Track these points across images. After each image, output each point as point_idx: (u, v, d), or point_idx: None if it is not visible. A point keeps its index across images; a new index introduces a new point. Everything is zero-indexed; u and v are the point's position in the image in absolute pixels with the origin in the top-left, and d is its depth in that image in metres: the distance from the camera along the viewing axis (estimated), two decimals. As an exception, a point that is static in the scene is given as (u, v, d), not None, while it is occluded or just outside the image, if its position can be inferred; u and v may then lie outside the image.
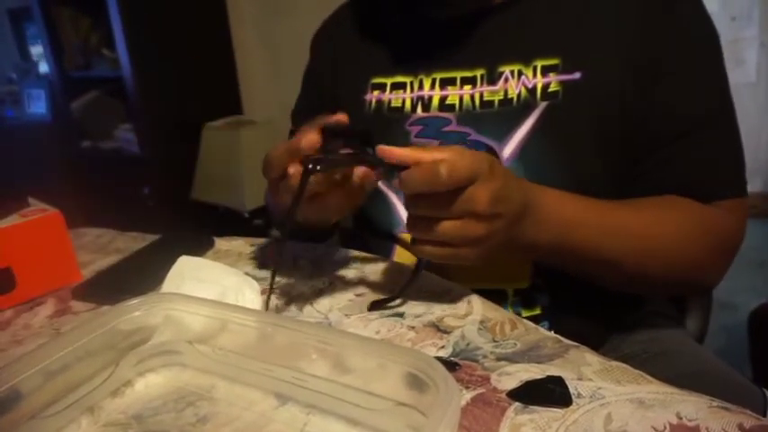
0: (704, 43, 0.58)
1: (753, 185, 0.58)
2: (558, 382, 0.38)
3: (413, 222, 0.45)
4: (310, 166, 0.42)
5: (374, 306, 0.51)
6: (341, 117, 0.48)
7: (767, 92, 2.55)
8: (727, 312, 1.72)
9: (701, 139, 0.56)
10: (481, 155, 0.43)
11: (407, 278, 0.51)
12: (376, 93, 0.67)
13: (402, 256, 0.66)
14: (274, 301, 0.54)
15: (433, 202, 0.42)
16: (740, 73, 2.48)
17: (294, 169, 0.45)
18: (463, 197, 0.42)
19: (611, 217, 0.53)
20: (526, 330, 0.46)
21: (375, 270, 0.59)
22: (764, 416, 0.46)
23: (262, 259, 0.64)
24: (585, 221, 0.51)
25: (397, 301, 0.51)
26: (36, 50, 2.63)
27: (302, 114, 0.79)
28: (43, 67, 2.52)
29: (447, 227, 0.43)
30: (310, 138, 0.44)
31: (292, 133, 0.80)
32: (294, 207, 0.43)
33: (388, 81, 0.66)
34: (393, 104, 0.65)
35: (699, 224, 0.55)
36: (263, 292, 0.53)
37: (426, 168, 0.41)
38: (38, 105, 2.49)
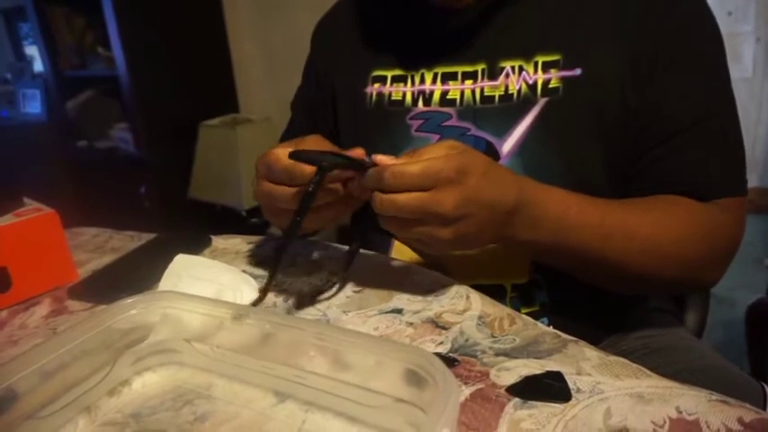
0: (706, 40, 0.57)
1: (749, 181, 0.58)
2: (557, 377, 0.38)
3: (386, 220, 0.46)
4: (324, 163, 0.43)
5: (311, 297, 0.52)
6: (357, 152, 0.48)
7: (763, 87, 2.56)
8: (725, 307, 1.73)
9: (699, 138, 0.56)
10: (456, 158, 0.44)
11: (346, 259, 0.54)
12: (377, 85, 0.67)
13: (400, 251, 0.66)
14: (272, 298, 0.54)
15: (400, 206, 0.43)
16: (736, 68, 2.49)
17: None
18: (428, 201, 0.43)
19: (614, 218, 0.52)
20: (525, 326, 0.46)
21: (373, 266, 0.58)
22: (764, 410, 0.46)
23: (259, 257, 0.64)
24: (587, 222, 0.51)
25: (335, 288, 0.53)
26: (30, 50, 2.61)
27: (301, 105, 0.79)
28: (38, 67, 2.50)
29: (412, 231, 0.45)
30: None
31: (291, 123, 0.80)
32: (304, 210, 0.44)
33: (389, 74, 0.66)
34: (394, 97, 0.65)
35: (699, 225, 0.55)
36: (260, 290, 0.53)
37: (376, 171, 0.44)
38: (33, 105, 2.48)
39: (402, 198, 0.43)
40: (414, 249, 0.64)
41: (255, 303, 0.48)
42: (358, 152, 0.47)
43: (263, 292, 0.48)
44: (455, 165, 0.43)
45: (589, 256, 0.52)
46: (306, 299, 0.53)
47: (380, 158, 0.45)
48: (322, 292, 0.53)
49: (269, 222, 0.59)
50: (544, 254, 0.55)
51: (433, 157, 0.44)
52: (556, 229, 0.50)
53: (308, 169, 0.45)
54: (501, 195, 0.46)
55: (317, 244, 0.65)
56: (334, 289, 0.53)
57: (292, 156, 0.45)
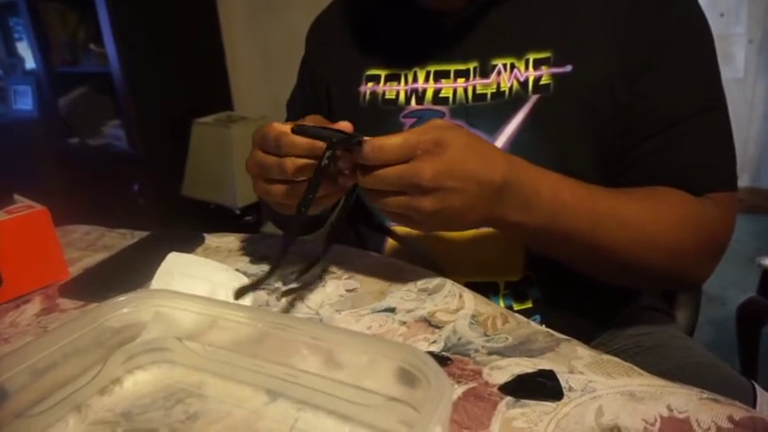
0: (697, 37, 0.58)
1: (740, 180, 0.59)
2: (549, 375, 0.38)
3: (370, 194, 0.48)
4: (334, 139, 0.45)
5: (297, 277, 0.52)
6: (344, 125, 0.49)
7: (754, 87, 2.58)
8: (716, 306, 1.74)
9: (692, 132, 0.56)
10: (432, 130, 0.45)
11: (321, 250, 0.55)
12: (370, 84, 0.67)
13: (394, 250, 0.66)
14: (264, 296, 0.54)
15: (380, 178, 0.45)
16: (728, 69, 2.51)
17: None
18: (406, 172, 0.44)
19: (606, 203, 0.52)
20: (518, 324, 0.46)
21: (366, 265, 0.58)
22: (754, 407, 0.47)
23: (253, 256, 0.63)
24: (579, 205, 0.51)
25: (318, 268, 0.54)
26: (22, 46, 2.59)
27: (297, 105, 0.79)
28: (30, 63, 2.48)
29: (392, 201, 0.46)
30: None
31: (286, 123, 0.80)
32: (315, 187, 0.45)
33: (383, 73, 0.66)
34: (387, 96, 0.65)
35: (691, 216, 0.55)
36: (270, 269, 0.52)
37: (361, 147, 0.45)
38: (24, 102, 2.46)
39: (382, 170, 0.45)
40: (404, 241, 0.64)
41: (255, 284, 0.48)
42: (345, 125, 0.49)
43: (272, 270, 0.49)
44: (432, 137, 0.44)
45: (580, 240, 0.52)
46: (298, 297, 0.53)
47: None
48: (304, 273, 0.54)
49: (263, 221, 0.60)
50: (535, 238, 0.54)
51: (412, 131, 0.45)
52: (547, 211, 0.50)
53: (298, 140, 0.47)
54: (486, 169, 0.46)
55: (307, 244, 0.65)
56: (316, 269, 0.53)
57: (296, 130, 0.47)
